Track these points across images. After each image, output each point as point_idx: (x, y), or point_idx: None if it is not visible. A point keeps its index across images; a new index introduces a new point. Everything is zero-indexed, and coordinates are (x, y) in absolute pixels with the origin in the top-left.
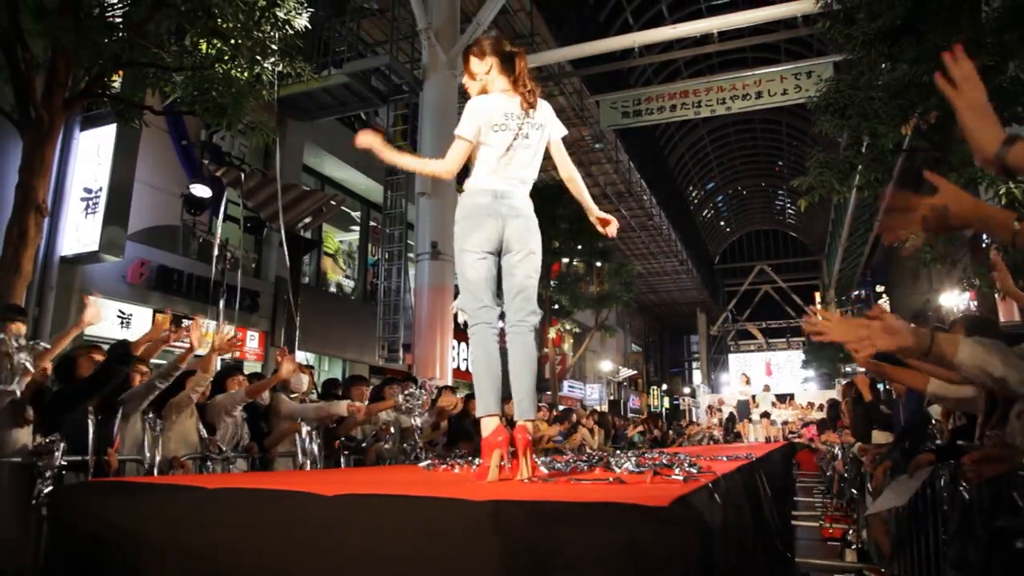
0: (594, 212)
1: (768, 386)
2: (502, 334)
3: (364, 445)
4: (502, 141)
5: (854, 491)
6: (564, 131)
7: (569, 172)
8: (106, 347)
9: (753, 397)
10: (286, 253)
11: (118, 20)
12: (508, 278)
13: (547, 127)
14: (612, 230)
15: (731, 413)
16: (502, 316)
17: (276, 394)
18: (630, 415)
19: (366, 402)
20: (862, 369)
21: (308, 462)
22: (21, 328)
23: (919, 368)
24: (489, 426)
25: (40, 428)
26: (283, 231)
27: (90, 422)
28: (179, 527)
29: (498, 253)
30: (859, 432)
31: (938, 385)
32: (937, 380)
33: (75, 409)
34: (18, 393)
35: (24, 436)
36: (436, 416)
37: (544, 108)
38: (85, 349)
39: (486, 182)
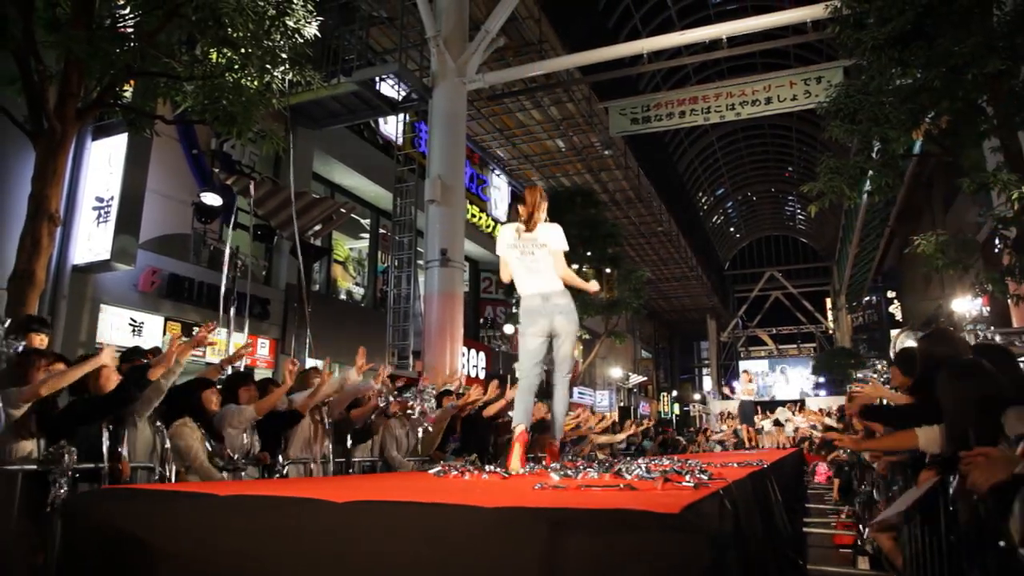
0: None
1: (791, 407)
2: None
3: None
4: (513, 256)
5: (858, 501)
6: (563, 246)
7: (561, 275)
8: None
9: (760, 407)
10: (300, 261)
11: (130, 30)
12: (555, 351)
13: (549, 245)
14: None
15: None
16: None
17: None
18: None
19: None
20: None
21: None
22: (44, 340)
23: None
24: (516, 431)
25: (48, 436)
26: (297, 239)
27: (104, 432)
28: (191, 534)
29: (550, 336)
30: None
31: (926, 440)
32: (923, 435)
33: (87, 424)
34: (17, 414)
35: (29, 444)
36: (460, 409)
37: (548, 229)
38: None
39: (530, 288)
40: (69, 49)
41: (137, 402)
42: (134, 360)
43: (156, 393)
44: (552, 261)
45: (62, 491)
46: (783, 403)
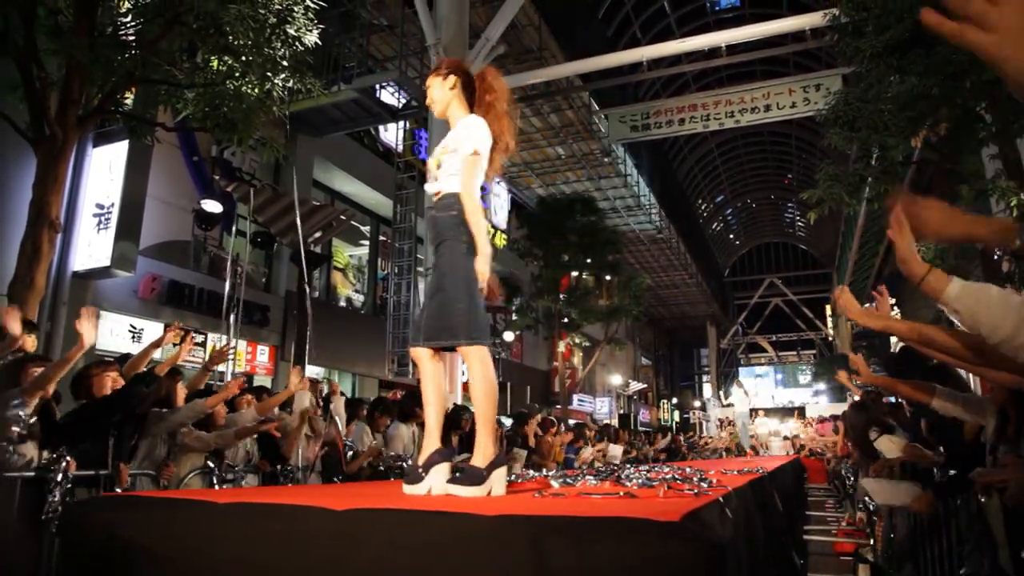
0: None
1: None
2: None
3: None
4: None
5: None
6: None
7: None
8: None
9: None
10: (306, 269)
11: (131, 38)
12: None
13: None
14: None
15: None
16: None
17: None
18: (640, 428)
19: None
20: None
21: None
22: (35, 342)
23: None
24: None
25: (48, 443)
26: (305, 246)
27: (110, 438)
28: (190, 542)
29: None
30: (859, 440)
31: (942, 401)
32: (942, 395)
33: (94, 431)
34: (28, 412)
35: (30, 450)
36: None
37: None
38: (98, 366)
39: None
40: (71, 56)
41: (165, 415)
42: (124, 367)
43: (178, 426)
44: None
45: (55, 499)
46: (788, 411)
